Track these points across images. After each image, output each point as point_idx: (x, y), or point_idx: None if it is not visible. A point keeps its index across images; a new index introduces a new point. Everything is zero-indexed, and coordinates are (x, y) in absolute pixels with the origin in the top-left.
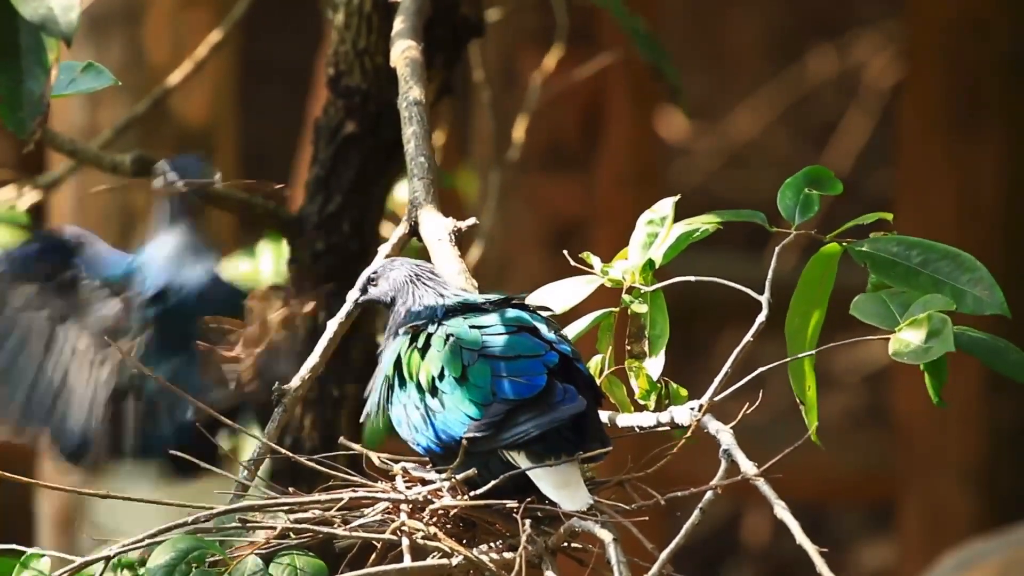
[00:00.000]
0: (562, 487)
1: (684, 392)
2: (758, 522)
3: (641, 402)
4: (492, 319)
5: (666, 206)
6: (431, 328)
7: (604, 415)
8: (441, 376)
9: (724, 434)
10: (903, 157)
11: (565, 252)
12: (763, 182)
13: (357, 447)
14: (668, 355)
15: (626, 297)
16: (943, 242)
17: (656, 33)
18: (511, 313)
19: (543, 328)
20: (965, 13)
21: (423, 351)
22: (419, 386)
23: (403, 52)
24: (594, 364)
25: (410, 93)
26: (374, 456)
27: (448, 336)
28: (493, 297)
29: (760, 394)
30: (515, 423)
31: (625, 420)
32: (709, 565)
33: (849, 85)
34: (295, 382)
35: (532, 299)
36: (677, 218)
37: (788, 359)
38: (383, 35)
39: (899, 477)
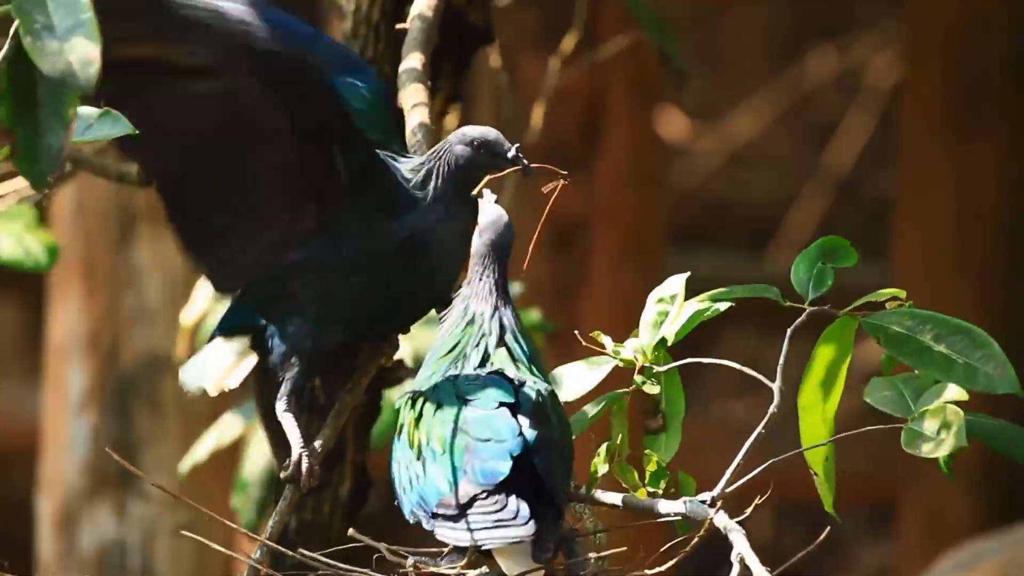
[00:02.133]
0: (514, 553)
1: (692, 482)
2: (758, 522)
3: (650, 488)
4: (479, 392)
5: (676, 284)
6: (428, 393)
7: (617, 497)
8: (427, 442)
9: (736, 535)
10: (903, 157)
11: (576, 332)
12: (763, 182)
13: (367, 540)
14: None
15: (638, 378)
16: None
17: (662, 15)
18: (496, 389)
19: (523, 400)
20: (965, 14)
21: (418, 418)
22: (411, 448)
23: (412, 104)
24: (604, 450)
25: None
26: (384, 549)
27: (439, 405)
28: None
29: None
30: (474, 518)
31: (636, 504)
32: (709, 565)
33: (849, 85)
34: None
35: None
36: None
37: (804, 448)
38: (391, 44)
39: (899, 478)
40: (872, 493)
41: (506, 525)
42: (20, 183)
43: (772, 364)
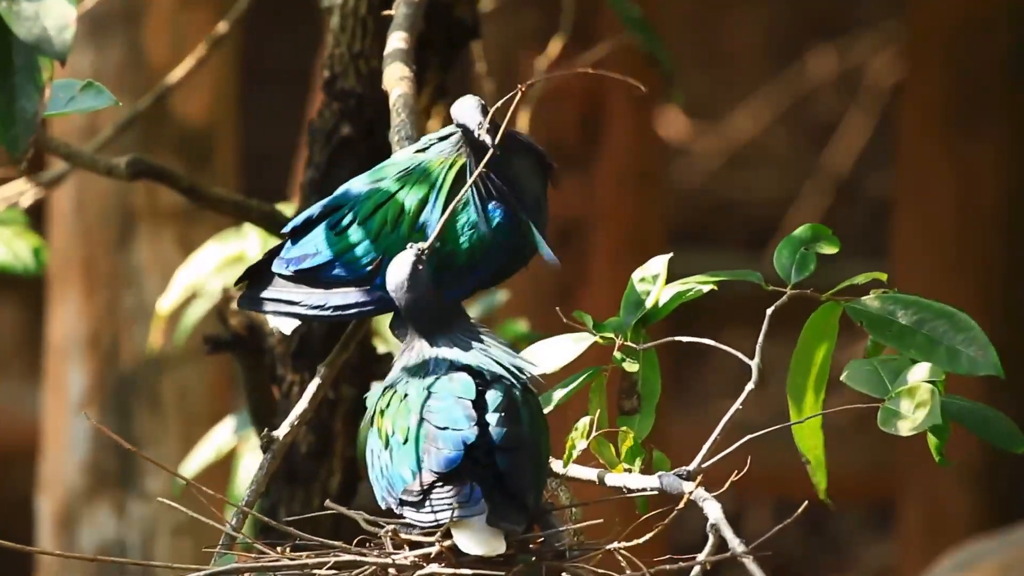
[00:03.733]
0: (478, 532)
1: (667, 460)
2: (758, 521)
3: (626, 465)
4: (442, 385)
5: (658, 264)
6: (398, 385)
7: (592, 472)
8: (393, 433)
9: (711, 507)
10: (903, 157)
11: (558, 310)
12: (763, 182)
13: (342, 509)
14: (668, 355)
15: (617, 355)
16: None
17: (650, 20)
18: (462, 382)
19: (491, 399)
20: (965, 13)
21: (385, 408)
22: (379, 437)
23: (396, 79)
24: (582, 425)
25: (403, 128)
26: (360, 518)
27: (405, 396)
28: (474, 355)
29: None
30: (433, 503)
31: (613, 480)
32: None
33: (849, 85)
34: (283, 429)
35: (524, 356)
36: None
37: (791, 423)
38: (379, 38)
39: (899, 477)
40: (872, 492)
41: (460, 505)
42: (10, 189)
43: (769, 364)
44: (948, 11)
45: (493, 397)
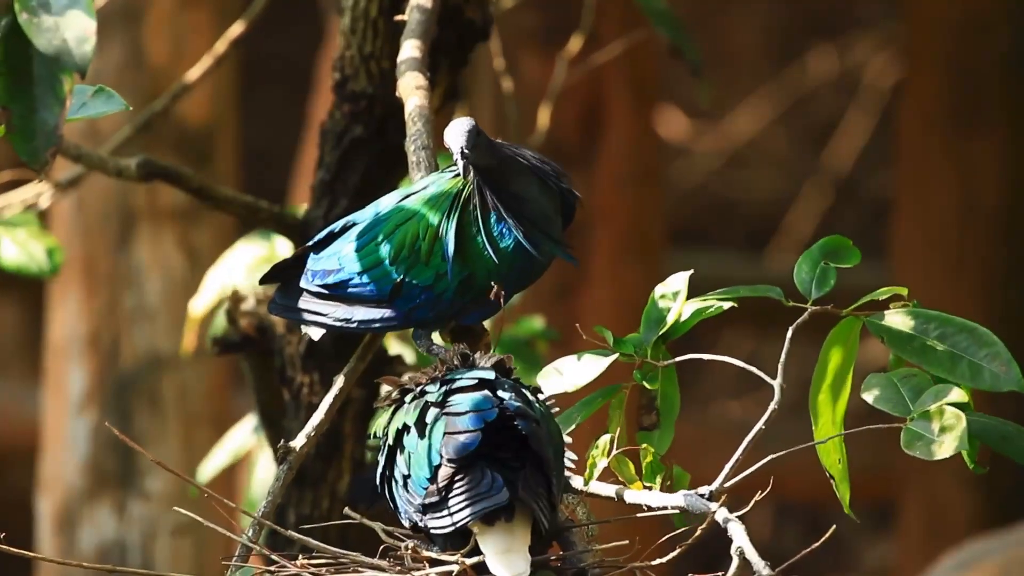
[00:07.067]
0: (503, 552)
1: (687, 477)
2: (758, 521)
3: (646, 483)
4: (462, 378)
5: (679, 281)
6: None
7: (611, 489)
8: (407, 430)
9: (735, 528)
10: (903, 157)
11: (577, 326)
12: (763, 182)
13: (362, 519)
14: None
15: (637, 373)
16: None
17: (674, 11)
18: (479, 374)
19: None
20: (965, 13)
21: (396, 410)
22: (387, 441)
23: (411, 88)
24: (602, 443)
25: (419, 138)
26: (379, 528)
27: (422, 394)
28: (485, 367)
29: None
30: (454, 500)
31: (633, 497)
32: (709, 565)
33: (849, 85)
34: (300, 440)
35: (542, 376)
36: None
37: (815, 442)
38: (389, 40)
39: (899, 477)
40: (872, 492)
41: (482, 498)
42: (25, 192)
43: (771, 363)
44: (948, 11)
45: (505, 387)
